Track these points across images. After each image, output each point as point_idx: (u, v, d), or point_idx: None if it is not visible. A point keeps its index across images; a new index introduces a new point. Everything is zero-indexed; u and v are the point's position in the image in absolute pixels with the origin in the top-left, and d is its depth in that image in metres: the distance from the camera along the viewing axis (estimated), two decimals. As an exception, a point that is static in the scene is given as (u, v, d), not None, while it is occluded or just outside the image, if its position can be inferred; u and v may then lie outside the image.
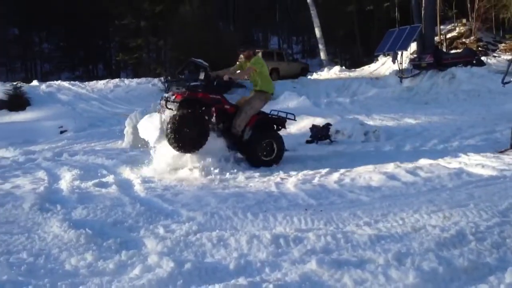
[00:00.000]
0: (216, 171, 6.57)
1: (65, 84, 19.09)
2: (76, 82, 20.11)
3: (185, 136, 6.46)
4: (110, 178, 6.42)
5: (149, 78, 20.56)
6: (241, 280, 3.29)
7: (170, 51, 25.32)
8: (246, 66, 7.37)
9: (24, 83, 17.89)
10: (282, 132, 10.01)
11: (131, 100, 17.44)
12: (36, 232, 4.39)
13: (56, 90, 17.97)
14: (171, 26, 24.68)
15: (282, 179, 6.26)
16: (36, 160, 8.07)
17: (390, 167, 6.59)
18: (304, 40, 44.78)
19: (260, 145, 7.24)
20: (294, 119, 7.95)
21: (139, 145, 9.68)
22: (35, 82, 19.31)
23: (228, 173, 6.56)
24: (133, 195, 5.62)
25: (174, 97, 6.78)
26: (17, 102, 15.54)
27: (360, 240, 3.97)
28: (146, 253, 3.94)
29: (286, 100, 15.95)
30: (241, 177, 6.43)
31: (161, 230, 4.46)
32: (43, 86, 18.10)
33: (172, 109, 6.69)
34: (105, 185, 6.12)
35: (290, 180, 6.12)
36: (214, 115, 6.91)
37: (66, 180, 6.35)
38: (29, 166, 7.62)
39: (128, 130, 10.11)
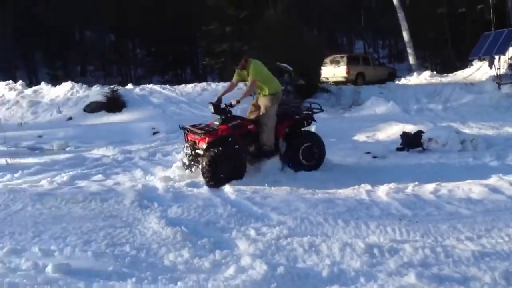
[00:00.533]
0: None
1: (157, 87, 19.98)
2: (167, 85, 20.97)
3: (222, 173, 6.29)
4: (201, 179, 6.63)
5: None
6: (336, 288, 3.25)
7: (255, 55, 25.68)
8: (245, 74, 6.98)
9: (120, 86, 18.98)
10: (370, 140, 9.83)
11: (218, 104, 17.85)
12: (137, 227, 4.64)
13: (148, 93, 18.86)
14: (255, 30, 25.05)
15: (372, 186, 6.10)
16: (133, 159, 8.52)
17: (491, 179, 6.16)
18: (390, 44, 43.55)
19: (298, 153, 6.96)
20: (321, 110, 7.52)
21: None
22: (130, 86, 20.40)
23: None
24: (223, 196, 5.75)
25: (199, 143, 6.62)
26: (115, 104, 16.50)
27: (463, 256, 3.78)
28: (238, 254, 4.02)
29: (372, 105, 15.60)
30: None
31: (252, 232, 4.53)
32: (137, 89, 19.08)
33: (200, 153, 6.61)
34: (196, 185, 6.32)
35: (382, 188, 5.95)
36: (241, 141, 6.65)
37: (161, 179, 6.63)
38: (127, 164, 8.06)
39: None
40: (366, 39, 45.47)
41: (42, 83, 19.78)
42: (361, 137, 10.63)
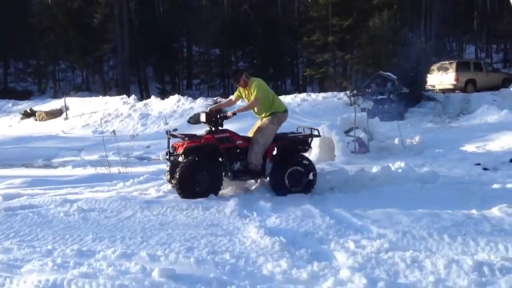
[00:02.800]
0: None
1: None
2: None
3: (193, 184, 6.10)
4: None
5: (335, 92, 20.81)
6: (441, 307, 3.06)
7: (357, 64, 25.30)
8: (246, 93, 6.70)
9: (222, 98, 19.69)
10: (481, 150, 9.17)
11: (318, 114, 17.83)
12: (236, 236, 4.74)
13: (249, 104, 19.31)
14: (359, 39, 24.66)
15: (482, 200, 5.68)
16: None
17: None
18: (506, 48, 40.44)
19: (284, 177, 6.42)
20: (318, 135, 6.98)
21: (325, 159, 9.88)
22: (231, 97, 21.05)
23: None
24: (323, 207, 5.69)
25: (177, 149, 6.45)
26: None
27: None
28: (337, 266, 3.95)
29: (483, 114, 14.60)
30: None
31: (351, 245, 4.42)
32: (239, 101, 19.62)
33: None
34: (296, 196, 6.33)
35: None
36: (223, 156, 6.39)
37: (258, 189, 6.73)
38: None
39: (315, 143, 10.37)
40: (478, 44, 42.70)
41: (152, 97, 21.14)
42: (470, 148, 9.99)
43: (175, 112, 18.53)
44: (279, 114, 6.62)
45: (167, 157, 6.73)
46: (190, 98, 19.81)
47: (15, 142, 15.11)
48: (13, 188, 7.21)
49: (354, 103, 17.38)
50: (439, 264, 3.86)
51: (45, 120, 19.74)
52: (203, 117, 6.52)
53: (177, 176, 6.11)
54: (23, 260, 4.10)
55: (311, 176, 6.53)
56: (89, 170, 9.34)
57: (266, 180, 6.71)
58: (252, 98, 6.52)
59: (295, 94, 21.71)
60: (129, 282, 3.57)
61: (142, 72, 34.48)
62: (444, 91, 20.42)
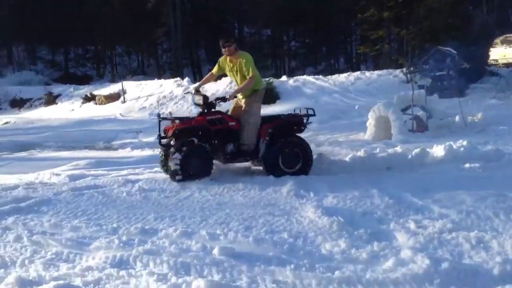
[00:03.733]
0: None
1: (310, 78, 20.19)
2: (320, 76, 21.07)
3: (185, 166, 6.00)
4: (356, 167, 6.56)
5: (390, 70, 20.23)
6: (510, 289, 2.96)
7: (413, 40, 24.44)
8: (228, 64, 6.47)
9: (274, 79, 19.61)
10: None
11: (372, 92, 17.45)
12: (294, 215, 4.75)
13: (301, 84, 19.16)
14: (415, 14, 23.77)
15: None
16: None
17: None
18: None
19: (278, 158, 6.25)
20: (314, 114, 6.63)
21: (382, 138, 9.67)
22: (283, 78, 20.95)
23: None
24: (381, 187, 5.59)
25: (168, 132, 6.26)
26: (269, 96, 17.08)
27: None
28: (397, 246, 3.89)
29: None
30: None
31: (412, 225, 4.33)
32: (291, 81, 19.50)
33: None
34: (353, 176, 6.26)
35: None
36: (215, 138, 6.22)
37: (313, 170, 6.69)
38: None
39: (370, 122, 10.17)
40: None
41: (205, 79, 21.37)
42: (539, 125, 9.48)
43: (227, 93, 18.68)
44: (260, 91, 6.56)
45: (159, 140, 6.39)
46: (242, 79, 19.90)
47: (77, 125, 15.76)
48: (78, 169, 7.54)
49: (411, 81, 16.84)
50: (506, 244, 3.73)
51: (104, 103, 20.42)
52: (199, 99, 6.33)
53: (169, 160, 6.07)
54: (91, 237, 4.30)
55: (307, 158, 6.39)
56: (147, 152, 9.61)
57: (257, 164, 6.61)
58: (248, 75, 6.27)
59: (348, 73, 21.30)
60: (190, 260, 3.67)
61: (194, 54, 34.91)
62: (508, 65, 19.40)
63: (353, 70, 24.66)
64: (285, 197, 5.39)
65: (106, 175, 6.98)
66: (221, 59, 6.61)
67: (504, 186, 5.35)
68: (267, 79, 19.05)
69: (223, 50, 6.37)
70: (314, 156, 6.65)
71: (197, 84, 7.10)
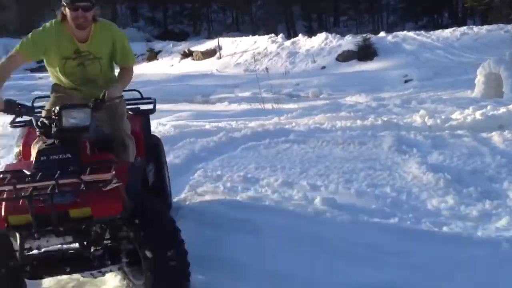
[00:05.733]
0: None
1: (410, 34, 19.15)
2: (421, 31, 19.92)
3: None
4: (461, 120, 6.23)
5: (501, 25, 18.60)
6: None
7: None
8: (70, 45, 2.98)
9: (372, 35, 18.86)
10: None
11: (480, 49, 16.19)
12: (396, 170, 4.64)
13: (401, 40, 18.24)
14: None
15: None
16: (387, 106, 8.48)
17: None
18: None
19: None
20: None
21: (491, 96, 9.04)
22: (382, 34, 20.07)
23: None
24: (491, 145, 5.26)
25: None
26: (366, 52, 16.56)
27: None
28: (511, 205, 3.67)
29: None
30: None
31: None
32: (389, 37, 18.64)
33: None
34: (458, 133, 5.94)
35: None
36: None
37: (419, 126, 6.43)
38: (381, 110, 8.07)
39: (479, 79, 9.52)
40: None
41: (299, 35, 21.07)
42: None
43: (322, 49, 18.31)
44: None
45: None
46: (338, 36, 19.33)
47: (177, 80, 16.38)
48: (181, 120, 7.89)
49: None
50: None
51: (201, 59, 20.94)
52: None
53: None
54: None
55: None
56: (244, 106, 9.79)
57: None
58: (129, 64, 3.21)
59: (454, 28, 19.89)
60: (293, 208, 3.74)
61: (288, 10, 34.41)
62: None
63: (458, 25, 22.98)
64: (386, 152, 5.26)
65: (205, 126, 7.21)
66: (46, 32, 3.00)
67: None
68: (364, 35, 18.39)
69: (71, 13, 2.88)
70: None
71: None
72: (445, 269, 2.79)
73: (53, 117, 2.48)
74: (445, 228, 3.31)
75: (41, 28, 3.00)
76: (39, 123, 2.54)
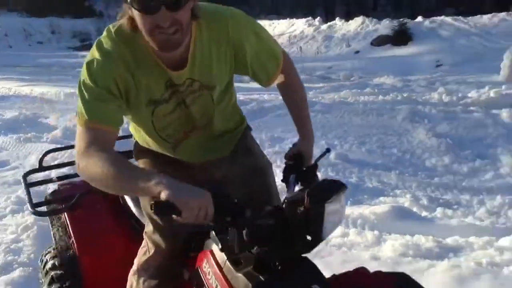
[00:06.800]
0: None
1: (448, 19, 19.20)
2: (459, 17, 19.92)
3: None
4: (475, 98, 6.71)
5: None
6: None
7: None
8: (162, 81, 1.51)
9: (409, 20, 19.00)
10: None
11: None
12: (405, 136, 5.23)
13: (438, 25, 18.35)
14: None
15: None
16: (411, 86, 8.96)
17: None
18: None
19: None
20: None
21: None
22: (419, 18, 20.15)
23: None
24: (497, 120, 5.75)
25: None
26: (401, 37, 16.84)
27: None
28: (500, 165, 4.23)
29: None
30: None
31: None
32: (426, 22, 18.76)
33: None
34: (470, 109, 6.43)
35: None
36: None
37: (435, 102, 6.92)
38: (404, 89, 8.55)
39: (505, 63, 9.81)
40: None
41: (337, 18, 21.38)
42: None
43: (358, 34, 18.65)
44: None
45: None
46: (375, 20, 19.57)
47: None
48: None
49: None
50: None
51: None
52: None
53: None
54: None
55: None
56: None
57: None
58: (276, 67, 1.68)
59: (492, 14, 19.79)
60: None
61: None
62: None
63: (500, 11, 22.73)
64: (399, 122, 5.82)
65: (240, 97, 7.90)
66: (112, 63, 1.43)
67: None
68: (401, 19, 18.59)
69: (143, 19, 1.32)
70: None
71: None
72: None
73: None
74: (436, 179, 3.91)
75: (97, 57, 1.43)
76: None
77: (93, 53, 1.43)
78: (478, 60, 13.35)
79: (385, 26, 18.06)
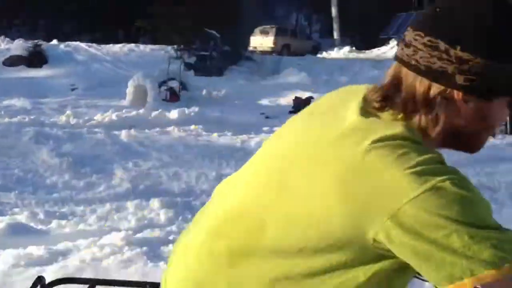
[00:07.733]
0: None
1: (82, 45, 20.05)
2: (93, 44, 21.05)
3: None
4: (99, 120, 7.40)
5: (163, 46, 21.42)
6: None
7: (186, 19, 25.99)
8: None
9: (44, 42, 18.87)
10: (272, 104, 10.77)
11: (142, 64, 18.32)
12: (29, 156, 5.40)
13: (73, 50, 18.93)
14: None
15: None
16: (42, 109, 9.09)
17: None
18: (324, 19, 44.96)
19: None
20: None
21: (139, 103, 10.70)
22: (54, 41, 20.26)
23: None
24: (116, 138, 6.54)
25: None
26: (36, 59, 16.57)
27: None
28: (113, 178, 4.90)
29: (287, 75, 16.70)
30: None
31: (130, 165, 5.40)
32: (62, 46, 19.08)
33: None
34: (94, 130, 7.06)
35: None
36: None
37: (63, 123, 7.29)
38: (34, 112, 8.58)
39: (130, 89, 11.11)
40: (303, 12, 46.73)
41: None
42: (264, 102, 11.73)
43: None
44: None
45: None
46: (7, 39, 18.63)
47: None
48: None
49: (180, 57, 18.27)
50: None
51: None
52: None
53: None
54: None
55: None
56: None
57: None
58: None
59: (123, 44, 21.74)
60: None
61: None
62: (263, 52, 22.51)
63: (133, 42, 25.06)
64: (25, 144, 5.89)
65: None
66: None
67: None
68: (35, 41, 18.22)
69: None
70: None
71: None
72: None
73: None
74: (55, 195, 4.25)
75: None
76: None
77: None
78: (110, 85, 14.47)
79: (19, 46, 17.39)
